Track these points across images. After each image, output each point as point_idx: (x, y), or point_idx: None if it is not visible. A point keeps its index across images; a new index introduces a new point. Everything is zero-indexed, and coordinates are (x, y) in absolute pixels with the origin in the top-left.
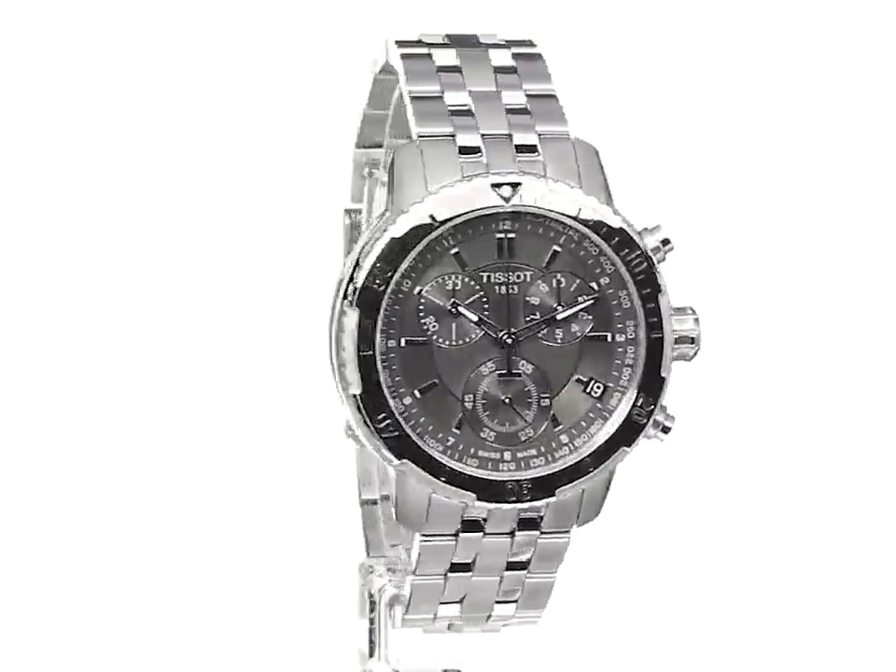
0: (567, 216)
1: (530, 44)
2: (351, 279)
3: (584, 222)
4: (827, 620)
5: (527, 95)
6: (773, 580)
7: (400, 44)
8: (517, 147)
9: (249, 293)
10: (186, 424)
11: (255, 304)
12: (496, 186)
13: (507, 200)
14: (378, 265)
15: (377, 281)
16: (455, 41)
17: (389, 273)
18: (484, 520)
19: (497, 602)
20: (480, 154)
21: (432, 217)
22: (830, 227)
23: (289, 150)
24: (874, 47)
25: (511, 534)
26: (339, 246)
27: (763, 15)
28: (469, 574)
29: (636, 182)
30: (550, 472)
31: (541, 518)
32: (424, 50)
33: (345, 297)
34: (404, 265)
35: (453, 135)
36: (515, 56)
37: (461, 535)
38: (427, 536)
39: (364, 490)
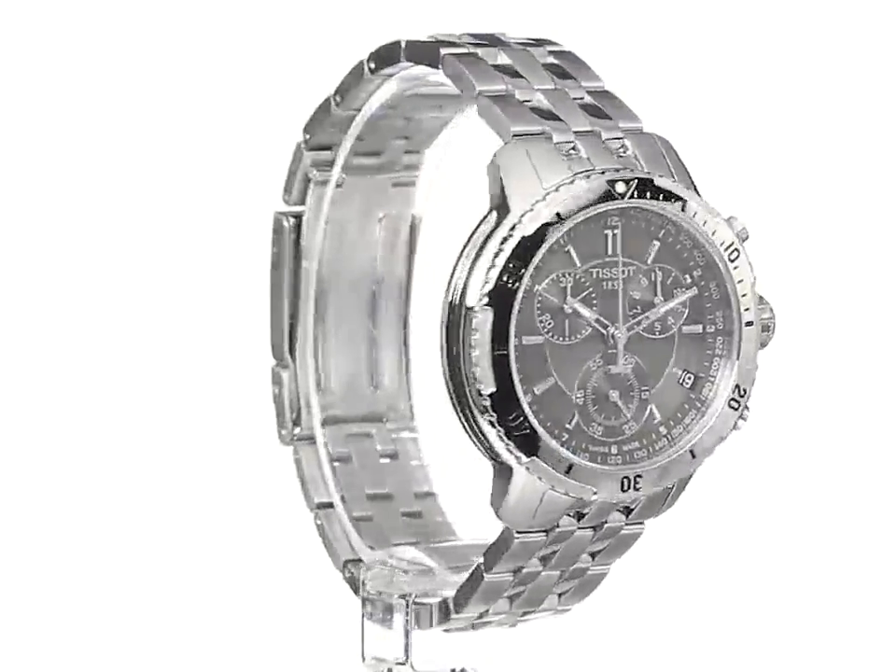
0: (675, 209)
1: (553, 42)
2: (466, 280)
3: (691, 216)
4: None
5: (588, 93)
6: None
7: (442, 44)
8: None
9: (172, 302)
10: (108, 432)
11: (174, 310)
12: (612, 182)
13: (622, 196)
14: (511, 264)
15: (510, 280)
16: (487, 40)
17: (522, 272)
18: (582, 514)
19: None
20: (578, 151)
21: (558, 216)
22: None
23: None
24: None
25: (597, 527)
26: (258, 249)
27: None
28: (542, 569)
29: None
30: (654, 464)
31: (631, 509)
32: (463, 50)
33: (464, 299)
34: (534, 263)
35: (544, 133)
36: (552, 54)
37: (555, 529)
38: (522, 533)
39: (316, 494)
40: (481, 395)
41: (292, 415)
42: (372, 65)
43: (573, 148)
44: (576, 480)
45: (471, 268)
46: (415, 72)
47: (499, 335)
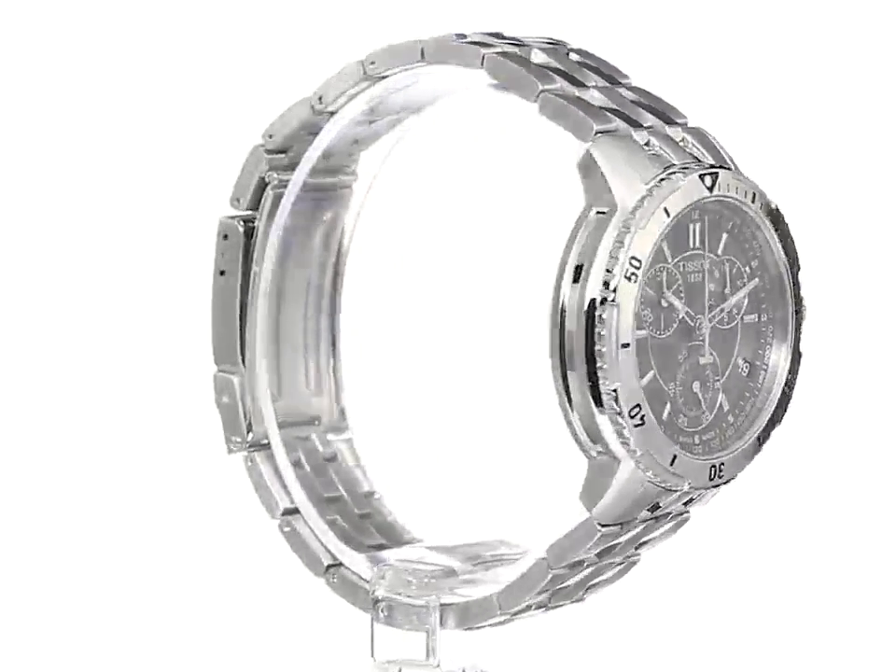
0: (747, 201)
1: (567, 42)
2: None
3: (758, 207)
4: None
5: (628, 89)
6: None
7: (474, 43)
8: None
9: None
10: (55, 438)
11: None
12: (702, 176)
13: (710, 189)
14: (631, 260)
15: (632, 275)
16: (511, 40)
17: (639, 267)
18: (658, 505)
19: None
20: (653, 147)
21: (666, 211)
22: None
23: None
24: None
25: (661, 517)
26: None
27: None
28: (598, 561)
29: None
30: (730, 452)
31: (692, 498)
32: (499, 49)
33: (582, 297)
34: (648, 259)
35: (619, 129)
36: (573, 52)
37: (634, 521)
38: (605, 526)
39: (280, 500)
40: (602, 390)
41: (245, 422)
42: (373, 66)
43: (647, 144)
44: (678, 471)
45: (589, 266)
46: (414, 72)
47: (624, 330)
